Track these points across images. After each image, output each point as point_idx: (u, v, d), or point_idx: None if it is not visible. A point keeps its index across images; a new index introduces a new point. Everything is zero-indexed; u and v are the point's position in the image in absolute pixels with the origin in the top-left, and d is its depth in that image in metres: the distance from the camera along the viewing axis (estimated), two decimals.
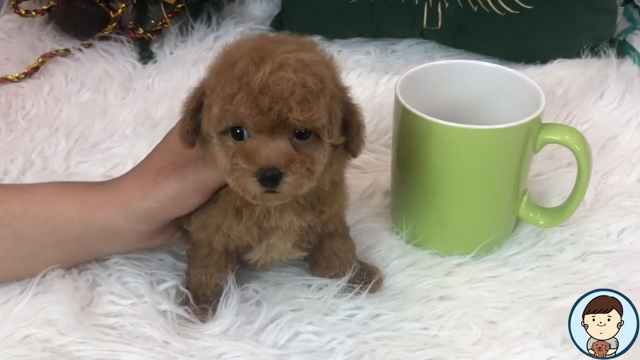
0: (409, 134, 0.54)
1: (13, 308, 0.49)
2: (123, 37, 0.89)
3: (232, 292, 0.49)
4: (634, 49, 0.82)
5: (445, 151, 0.53)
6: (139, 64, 0.86)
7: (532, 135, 0.53)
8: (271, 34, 0.46)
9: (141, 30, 0.88)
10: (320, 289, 0.52)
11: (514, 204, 0.56)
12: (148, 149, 0.68)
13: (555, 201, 0.61)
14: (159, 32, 0.90)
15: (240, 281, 0.51)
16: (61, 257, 0.50)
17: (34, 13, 0.91)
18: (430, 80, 0.59)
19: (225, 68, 0.41)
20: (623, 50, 0.83)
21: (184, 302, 0.50)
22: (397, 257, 0.56)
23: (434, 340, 0.48)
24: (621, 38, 0.85)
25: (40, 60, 0.86)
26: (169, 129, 0.70)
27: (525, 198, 0.57)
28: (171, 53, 0.88)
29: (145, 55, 0.87)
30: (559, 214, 0.56)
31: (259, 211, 0.47)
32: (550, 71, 0.82)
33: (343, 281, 0.52)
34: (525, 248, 0.57)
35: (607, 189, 0.64)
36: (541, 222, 0.57)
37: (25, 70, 0.85)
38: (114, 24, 0.89)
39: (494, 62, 0.79)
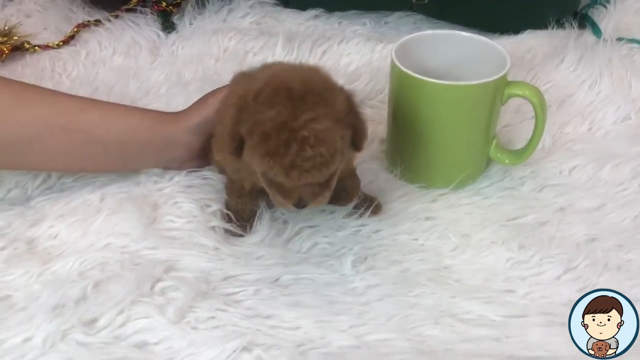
0: (402, 91, 0.67)
1: (91, 225, 0.62)
2: (147, 9, 0.98)
3: (264, 214, 0.63)
4: (591, 21, 0.95)
5: (431, 104, 0.66)
6: (162, 34, 0.96)
7: (499, 90, 0.66)
8: (280, 66, 0.58)
9: (164, 3, 0.98)
10: (332, 212, 0.65)
11: (486, 146, 0.70)
12: (183, 105, 0.81)
13: (520, 146, 0.74)
14: (178, 5, 1.00)
15: (270, 206, 0.65)
16: (120, 160, 0.65)
17: None
18: (420, 47, 0.71)
19: (258, 140, 0.51)
20: (584, 22, 0.96)
21: (227, 222, 0.64)
22: (392, 190, 0.69)
23: (422, 248, 0.63)
24: (584, 12, 0.97)
25: (75, 29, 0.97)
26: (200, 89, 0.83)
27: (494, 142, 0.70)
28: (190, 24, 0.97)
29: (168, 25, 0.97)
30: (521, 154, 0.70)
31: None
32: (521, 40, 0.93)
33: (350, 206, 0.65)
34: (494, 182, 0.71)
35: (563, 137, 0.77)
36: (506, 161, 0.71)
37: (63, 39, 0.96)
38: None
39: (472, 32, 0.92)
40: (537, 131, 0.68)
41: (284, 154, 0.50)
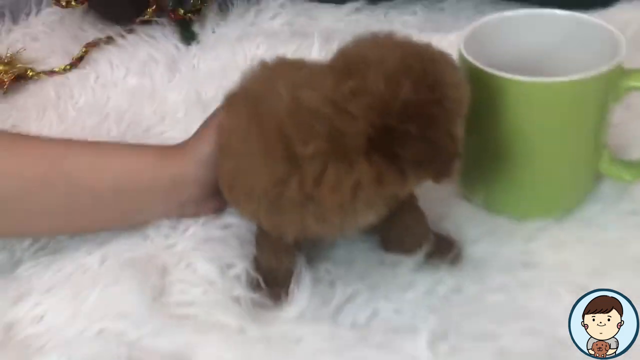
0: (476, 92, 0.50)
1: (85, 301, 0.49)
2: (164, 20, 0.87)
3: (303, 274, 0.48)
4: None
5: (519, 108, 0.49)
6: (182, 46, 0.85)
7: (612, 83, 0.49)
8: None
9: (181, 11, 0.86)
10: (394, 265, 0.49)
11: (594, 159, 0.52)
12: None
13: (636, 154, 0.57)
14: (198, 12, 0.88)
15: (311, 262, 0.49)
16: (118, 213, 0.53)
17: (74, 3, 0.89)
18: (494, 35, 0.54)
19: None
20: None
21: (256, 287, 0.49)
22: (473, 226, 0.52)
23: (523, 311, 0.45)
24: None
25: (84, 50, 0.86)
26: None
27: (606, 152, 0.53)
28: (213, 32, 0.86)
29: (188, 36, 0.86)
30: None
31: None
32: (614, 15, 0.75)
33: (419, 255, 0.49)
34: (608, 206, 0.53)
35: None
36: (627, 177, 0.53)
37: (71, 61, 0.85)
38: (154, 7, 0.87)
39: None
40: None
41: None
